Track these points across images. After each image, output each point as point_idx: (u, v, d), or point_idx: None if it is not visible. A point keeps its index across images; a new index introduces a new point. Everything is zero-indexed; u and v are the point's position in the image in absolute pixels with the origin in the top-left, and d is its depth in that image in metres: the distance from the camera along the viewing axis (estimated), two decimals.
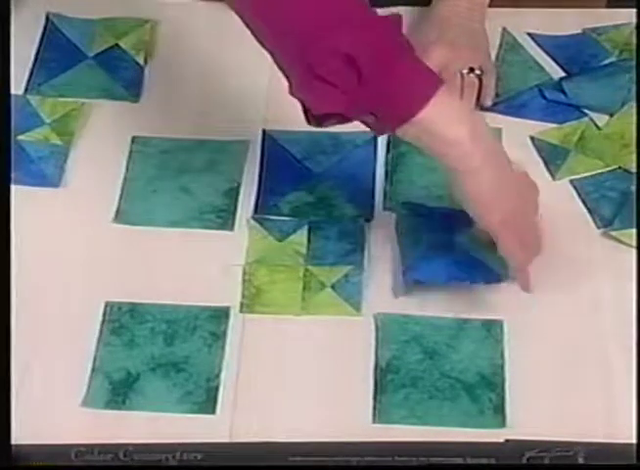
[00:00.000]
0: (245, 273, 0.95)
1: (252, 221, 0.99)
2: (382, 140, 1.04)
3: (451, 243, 0.93)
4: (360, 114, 0.82)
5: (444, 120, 0.81)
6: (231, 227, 0.99)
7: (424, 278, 0.92)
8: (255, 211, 1.00)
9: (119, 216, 0.99)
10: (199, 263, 0.96)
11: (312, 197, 1.01)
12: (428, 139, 0.82)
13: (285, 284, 0.95)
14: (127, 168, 1.03)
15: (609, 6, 1.17)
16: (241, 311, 0.93)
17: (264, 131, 1.06)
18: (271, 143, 1.05)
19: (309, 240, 0.97)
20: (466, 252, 0.92)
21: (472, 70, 1.04)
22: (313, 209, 0.99)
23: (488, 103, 1.06)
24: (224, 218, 1.00)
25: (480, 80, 1.05)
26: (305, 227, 0.98)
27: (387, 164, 1.03)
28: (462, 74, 1.04)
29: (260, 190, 1.02)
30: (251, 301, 0.94)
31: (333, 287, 0.94)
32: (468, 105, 0.89)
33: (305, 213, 0.99)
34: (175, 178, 1.02)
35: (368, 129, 0.85)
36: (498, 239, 0.86)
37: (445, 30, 1.06)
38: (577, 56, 1.10)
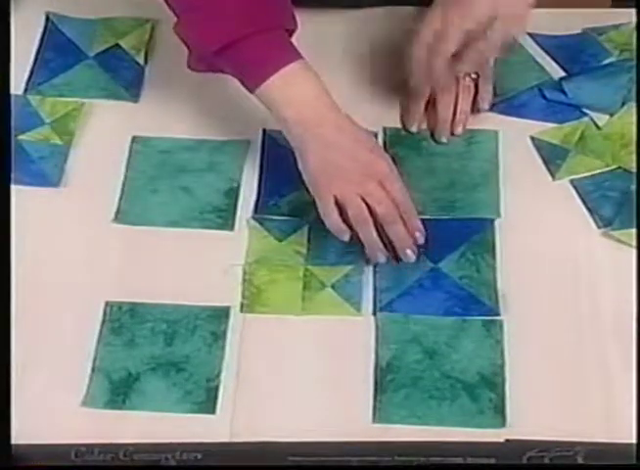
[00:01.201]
0: (245, 273, 0.95)
1: (253, 221, 0.99)
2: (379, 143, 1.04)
3: (439, 274, 0.94)
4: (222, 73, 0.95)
5: (279, 99, 0.91)
6: (231, 227, 0.99)
7: (415, 311, 0.93)
8: (255, 210, 1.00)
9: (119, 216, 0.99)
10: (199, 263, 0.96)
11: (312, 197, 1.01)
12: (271, 111, 0.92)
13: (285, 284, 0.94)
14: (127, 168, 1.03)
15: (614, 5, 1.16)
16: (241, 311, 0.93)
17: (264, 131, 1.05)
18: (271, 142, 1.05)
19: (309, 240, 0.97)
20: (457, 285, 0.94)
21: (468, 73, 1.04)
22: (313, 208, 1.00)
23: (485, 107, 1.05)
24: (224, 218, 1.00)
25: (477, 84, 1.05)
26: (305, 227, 0.98)
27: None
28: (457, 78, 1.04)
29: (260, 189, 1.02)
30: (252, 301, 0.94)
31: (333, 287, 0.94)
32: (313, 88, 0.91)
33: (305, 213, 0.99)
34: (175, 178, 1.02)
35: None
36: (322, 213, 0.92)
37: None
38: (577, 56, 1.10)
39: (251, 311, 0.93)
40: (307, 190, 0.97)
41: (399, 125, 1.06)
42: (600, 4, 1.17)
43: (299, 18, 0.95)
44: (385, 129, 1.05)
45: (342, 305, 0.93)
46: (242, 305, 0.93)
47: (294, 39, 0.94)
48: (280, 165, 1.03)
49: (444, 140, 1.04)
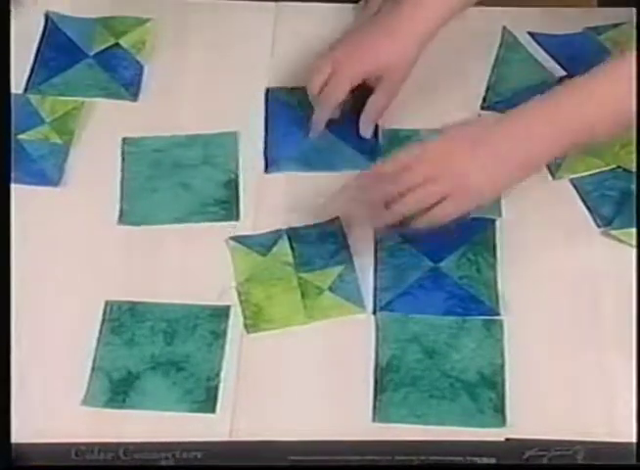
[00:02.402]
0: (240, 294, 0.94)
1: (232, 242, 0.98)
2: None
3: (440, 274, 0.94)
4: None
5: None
6: (236, 217, 0.99)
7: (415, 311, 0.93)
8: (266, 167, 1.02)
9: (123, 218, 0.99)
10: (199, 262, 0.96)
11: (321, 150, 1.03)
12: None
13: (283, 296, 0.94)
14: (122, 170, 1.03)
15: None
16: (247, 332, 0.92)
17: (267, 89, 1.07)
18: (273, 100, 1.07)
19: (292, 248, 0.97)
20: (457, 285, 0.94)
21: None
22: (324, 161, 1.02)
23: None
24: (228, 210, 1.00)
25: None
26: (285, 236, 0.97)
27: None
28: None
29: (267, 145, 1.04)
30: (255, 320, 0.93)
31: (330, 289, 0.94)
32: None
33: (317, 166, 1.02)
34: (172, 175, 1.02)
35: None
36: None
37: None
38: (578, 55, 1.10)
39: (256, 331, 0.92)
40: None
41: (397, 126, 1.06)
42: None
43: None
44: (383, 131, 1.05)
45: (344, 305, 0.93)
46: (246, 326, 0.92)
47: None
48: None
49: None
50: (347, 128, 1.03)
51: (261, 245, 0.97)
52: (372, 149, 1.03)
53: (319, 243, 0.97)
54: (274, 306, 0.93)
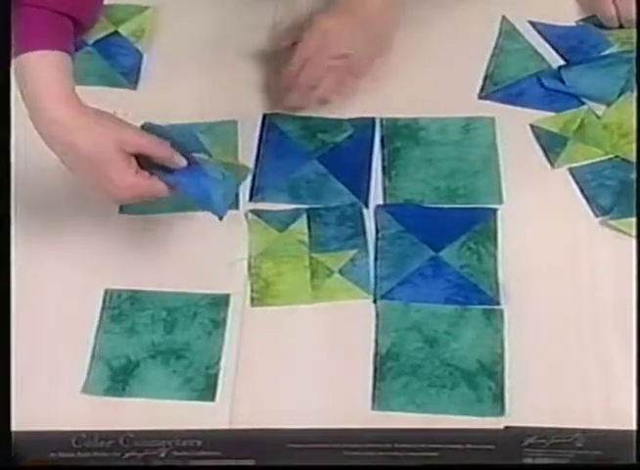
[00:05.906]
0: (251, 267, 0.95)
1: (251, 215, 0.99)
2: (377, 136, 1.04)
3: (440, 263, 0.94)
4: None
5: (33, 78, 0.85)
6: (236, 206, 0.99)
7: (415, 299, 0.93)
8: (252, 195, 1.00)
9: (124, 207, 0.99)
10: (202, 249, 0.97)
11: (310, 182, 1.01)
12: (19, 83, 0.85)
13: (293, 274, 0.94)
14: None
15: None
16: (252, 305, 0.93)
17: (264, 115, 1.06)
18: (270, 126, 1.05)
19: (310, 227, 0.97)
20: (458, 274, 0.94)
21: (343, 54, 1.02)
22: (312, 194, 1.00)
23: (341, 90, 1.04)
24: None
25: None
26: (304, 215, 0.98)
27: (383, 159, 1.03)
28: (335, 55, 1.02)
29: (257, 173, 1.02)
30: (262, 294, 0.94)
31: (340, 272, 0.94)
32: (63, 83, 0.86)
33: (304, 198, 0.99)
34: None
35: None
36: None
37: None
38: (578, 46, 1.10)
39: (262, 305, 0.93)
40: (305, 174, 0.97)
41: (396, 115, 1.06)
42: None
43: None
44: (382, 120, 1.05)
45: (353, 289, 0.94)
46: (252, 299, 0.93)
47: None
48: (278, 149, 1.03)
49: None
50: (340, 162, 1.02)
51: (280, 221, 0.98)
52: (361, 186, 1.01)
53: (337, 225, 0.97)
54: (282, 283, 0.94)
